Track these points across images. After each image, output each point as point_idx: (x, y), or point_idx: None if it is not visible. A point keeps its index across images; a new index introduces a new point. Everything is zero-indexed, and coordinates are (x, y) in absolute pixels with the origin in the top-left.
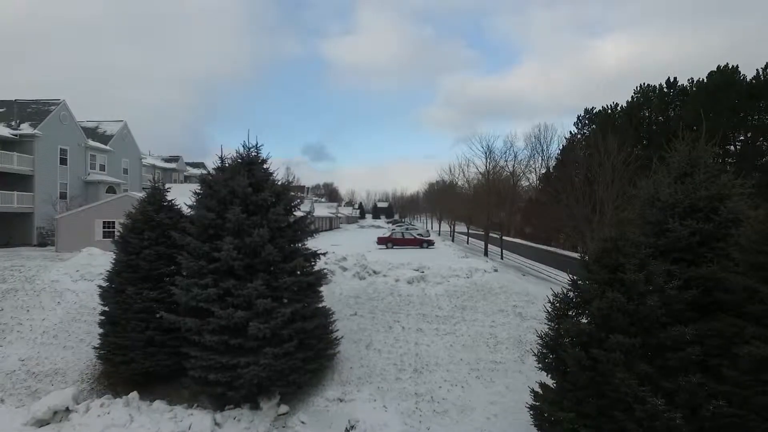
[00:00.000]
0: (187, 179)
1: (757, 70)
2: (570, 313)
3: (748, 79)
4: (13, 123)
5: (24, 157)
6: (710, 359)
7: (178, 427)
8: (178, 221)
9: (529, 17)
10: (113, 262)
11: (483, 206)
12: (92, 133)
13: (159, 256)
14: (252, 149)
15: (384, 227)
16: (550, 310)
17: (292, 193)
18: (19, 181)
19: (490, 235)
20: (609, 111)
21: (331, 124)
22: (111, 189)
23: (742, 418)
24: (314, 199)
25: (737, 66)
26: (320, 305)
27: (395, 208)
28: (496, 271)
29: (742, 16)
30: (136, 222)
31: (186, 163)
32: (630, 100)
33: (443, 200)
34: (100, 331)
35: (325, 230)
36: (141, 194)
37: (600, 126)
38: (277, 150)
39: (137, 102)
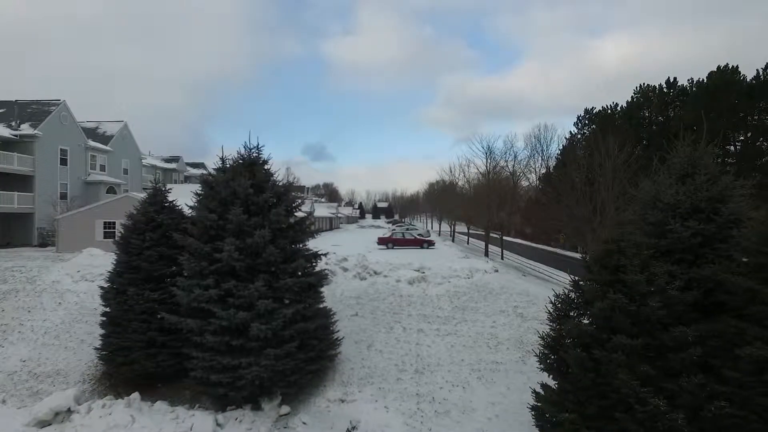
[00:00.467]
0: (187, 179)
1: (757, 70)
2: (572, 314)
3: (748, 80)
4: (13, 123)
5: (24, 157)
6: (712, 360)
7: (180, 428)
8: (179, 222)
9: (529, 17)
10: (114, 262)
11: (483, 206)
12: (92, 133)
13: (160, 256)
14: (253, 150)
15: (384, 227)
16: (551, 310)
17: (294, 194)
18: (20, 182)
19: (491, 235)
20: (609, 111)
21: (331, 124)
22: (111, 189)
23: (744, 419)
24: (314, 199)
25: (737, 66)
26: (321, 306)
27: (395, 209)
28: (496, 271)
29: (742, 16)
30: (137, 223)
31: (186, 163)
32: (630, 100)
33: (443, 200)
34: (102, 331)
35: (326, 230)
36: (141, 195)
37: (600, 126)
38: (277, 150)
39: (137, 102)
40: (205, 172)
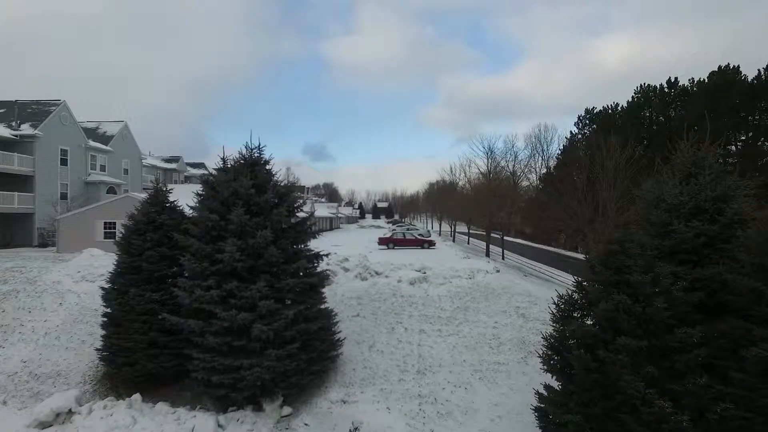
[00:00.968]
0: (188, 179)
1: (758, 70)
2: (575, 314)
3: (749, 80)
4: (13, 123)
5: (24, 157)
6: (717, 361)
7: (181, 429)
8: (180, 222)
9: (529, 17)
10: (115, 263)
11: (484, 206)
12: (92, 133)
13: (161, 257)
14: (254, 150)
15: (384, 227)
16: (554, 311)
17: (295, 194)
18: (20, 182)
19: (491, 235)
20: (610, 111)
21: (331, 124)
22: (111, 189)
23: (750, 420)
24: (314, 199)
25: (738, 66)
26: (323, 306)
27: (395, 209)
28: (498, 271)
29: (742, 16)
30: (138, 223)
31: (186, 163)
32: (630, 100)
33: (444, 200)
34: (103, 332)
35: (326, 230)
36: (142, 195)
37: (601, 126)
38: (277, 150)
39: (137, 102)
40: (205, 172)
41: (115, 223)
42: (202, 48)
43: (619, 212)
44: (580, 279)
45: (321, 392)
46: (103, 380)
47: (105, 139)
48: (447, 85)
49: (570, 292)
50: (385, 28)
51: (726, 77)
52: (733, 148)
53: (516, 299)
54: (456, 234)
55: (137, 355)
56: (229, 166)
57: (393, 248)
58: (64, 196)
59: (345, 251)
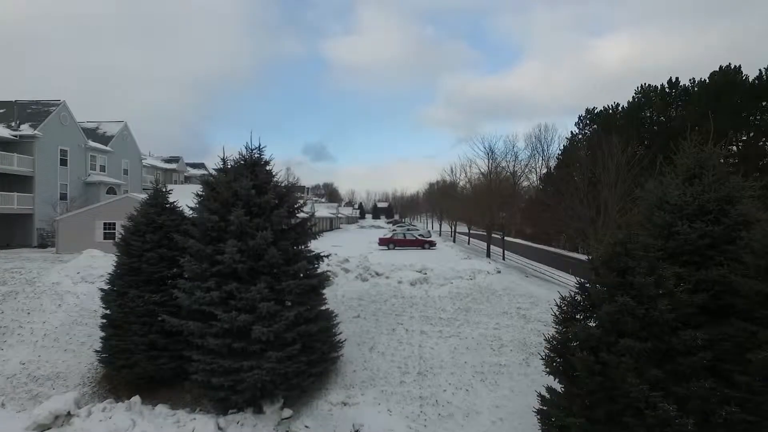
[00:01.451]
0: (188, 180)
1: (759, 70)
2: (578, 316)
3: (750, 80)
4: (13, 124)
5: (24, 158)
6: (722, 364)
7: None
8: (180, 223)
9: (530, 17)
10: (115, 264)
11: (485, 207)
12: (92, 133)
13: (161, 258)
14: (255, 150)
15: (384, 227)
16: (557, 313)
17: (296, 195)
18: (19, 183)
19: (492, 235)
20: (610, 111)
21: (331, 124)
22: (111, 190)
23: (756, 424)
24: (314, 199)
25: (739, 66)
26: (323, 308)
27: (395, 209)
28: (499, 272)
29: (743, 16)
30: (137, 224)
31: (186, 163)
32: (631, 100)
33: (444, 200)
34: (102, 334)
35: (326, 231)
36: (142, 195)
37: (602, 126)
38: (277, 150)
39: (137, 102)
40: (205, 172)
41: (114, 224)
42: (202, 48)
43: (621, 213)
44: (582, 280)
45: (321, 394)
46: (102, 382)
47: (105, 139)
48: (447, 85)
49: (572, 294)
50: (386, 28)
51: (727, 77)
52: (734, 148)
53: (517, 300)
54: (456, 234)
55: (137, 356)
56: (229, 166)
57: (393, 249)
58: (63, 197)
59: (345, 252)
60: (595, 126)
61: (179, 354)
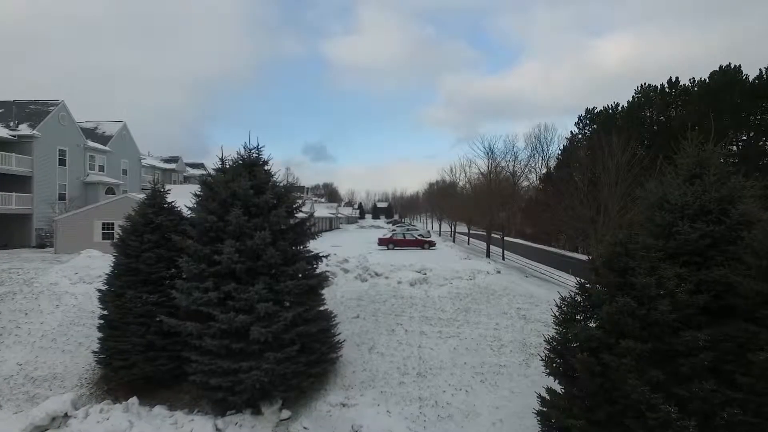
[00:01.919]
0: (187, 180)
1: (759, 69)
2: (578, 317)
3: (750, 79)
4: (11, 124)
5: (23, 158)
6: (723, 365)
7: None
8: (178, 223)
9: (530, 17)
10: (112, 265)
11: (485, 207)
12: (91, 133)
13: (159, 259)
14: (253, 150)
15: (384, 227)
16: (557, 314)
17: (294, 194)
18: (18, 183)
19: (492, 235)
20: (610, 111)
21: (331, 124)
22: (110, 190)
23: (757, 426)
24: (314, 199)
25: (739, 66)
26: (322, 308)
27: (395, 209)
28: (498, 272)
29: (743, 16)
30: (135, 224)
31: (185, 163)
32: (631, 100)
33: (444, 200)
34: (99, 335)
35: (325, 231)
36: (141, 195)
37: (601, 126)
38: (277, 150)
39: (137, 102)
40: (204, 172)
41: (113, 224)
42: (202, 48)
43: (621, 213)
44: (582, 281)
45: (320, 395)
46: (99, 383)
47: (104, 139)
48: (447, 85)
49: (572, 294)
50: (386, 27)
51: (727, 77)
52: (734, 148)
53: (517, 300)
54: (456, 234)
55: (134, 357)
56: (227, 166)
57: (393, 249)
58: (62, 197)
59: (345, 252)
60: (594, 126)
61: (177, 355)
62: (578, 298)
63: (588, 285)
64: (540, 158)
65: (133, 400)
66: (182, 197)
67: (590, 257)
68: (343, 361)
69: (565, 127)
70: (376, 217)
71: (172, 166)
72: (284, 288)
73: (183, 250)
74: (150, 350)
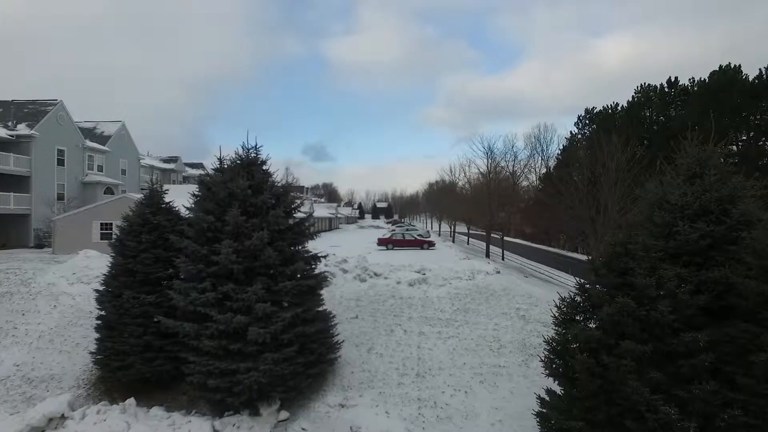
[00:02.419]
0: (186, 180)
1: (759, 69)
2: (577, 317)
3: (750, 79)
4: (9, 123)
5: (21, 158)
6: (724, 367)
7: None
8: (176, 223)
9: (530, 17)
10: (110, 265)
11: (484, 207)
12: (90, 133)
13: (156, 259)
14: (251, 150)
15: (383, 227)
16: (556, 314)
17: (293, 195)
18: (16, 183)
19: (491, 235)
20: (610, 111)
21: (332, 124)
22: (109, 190)
23: (758, 428)
24: (314, 199)
25: (739, 65)
26: (321, 309)
27: (395, 209)
28: (498, 272)
29: (743, 16)
30: (133, 224)
31: (185, 163)
32: (631, 99)
33: (444, 200)
34: (97, 335)
35: (325, 231)
36: (139, 195)
37: (601, 126)
38: (277, 150)
39: (137, 102)
40: (203, 172)
41: (111, 224)
42: (202, 48)
43: (621, 213)
44: (582, 281)
45: (319, 396)
46: (97, 384)
47: (102, 139)
48: (447, 85)
49: (572, 295)
50: (386, 28)
51: (727, 77)
52: (734, 147)
53: (516, 301)
54: (456, 234)
55: (132, 358)
56: (225, 166)
57: (392, 249)
58: (60, 197)
59: (344, 252)
60: (594, 126)
61: (175, 356)
62: (578, 298)
63: (588, 285)
64: (540, 158)
65: (131, 401)
66: (180, 197)
67: (590, 257)
68: (341, 362)
69: (565, 127)
70: (375, 217)
71: (171, 166)
72: (282, 288)
73: (180, 251)
74: (147, 351)
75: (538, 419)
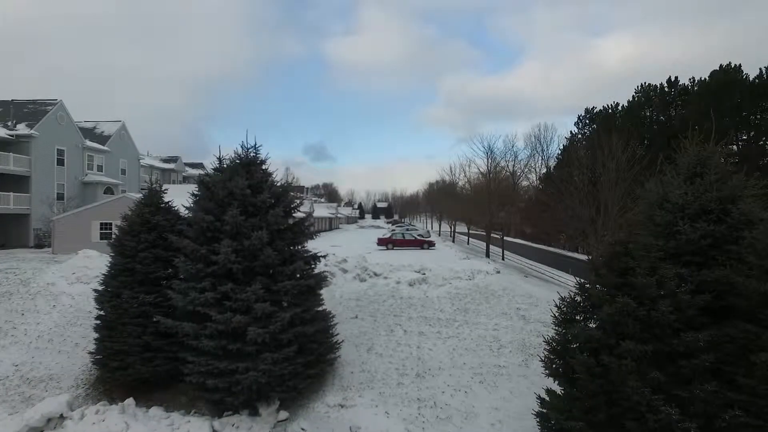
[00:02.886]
0: (186, 180)
1: (759, 69)
2: (578, 317)
3: (750, 79)
4: (9, 123)
5: (20, 157)
6: (725, 367)
7: None
8: (175, 223)
9: (530, 17)
10: (109, 265)
11: (484, 206)
12: (90, 133)
13: (156, 259)
14: (251, 149)
15: (384, 227)
16: (556, 314)
17: (292, 194)
18: (16, 182)
19: (491, 235)
20: (610, 111)
21: (332, 124)
22: (109, 190)
23: (759, 428)
24: (314, 199)
25: (740, 65)
26: (320, 309)
27: (395, 209)
28: (498, 272)
29: (743, 16)
30: (132, 224)
31: (185, 163)
32: (631, 99)
33: (444, 200)
34: (96, 335)
35: (325, 231)
36: (139, 195)
37: (601, 125)
38: (277, 150)
39: (137, 102)
40: (203, 172)
41: (111, 224)
42: (202, 48)
43: (621, 212)
44: (582, 281)
45: (318, 396)
46: (96, 384)
47: (102, 139)
48: (447, 85)
49: (572, 295)
50: (386, 28)
51: (728, 76)
52: (735, 147)
53: (516, 301)
54: (456, 234)
55: (131, 358)
56: (225, 165)
57: (392, 249)
58: (60, 197)
59: (344, 252)
60: (594, 126)
61: (174, 356)
62: (578, 298)
63: (588, 285)
64: (540, 158)
65: (130, 401)
66: (180, 197)
67: (590, 257)
68: (341, 362)
69: (565, 127)
70: (375, 217)
71: (171, 165)
72: (282, 288)
73: (180, 250)
74: (147, 351)
75: (538, 419)
